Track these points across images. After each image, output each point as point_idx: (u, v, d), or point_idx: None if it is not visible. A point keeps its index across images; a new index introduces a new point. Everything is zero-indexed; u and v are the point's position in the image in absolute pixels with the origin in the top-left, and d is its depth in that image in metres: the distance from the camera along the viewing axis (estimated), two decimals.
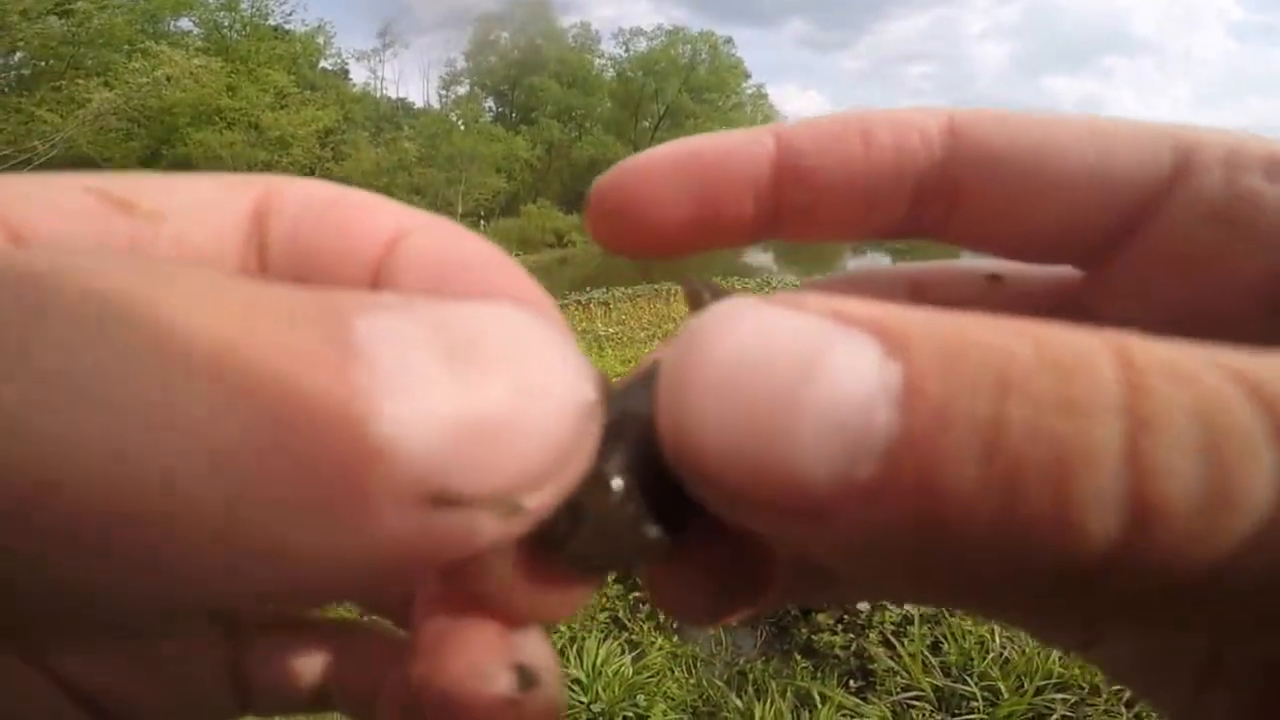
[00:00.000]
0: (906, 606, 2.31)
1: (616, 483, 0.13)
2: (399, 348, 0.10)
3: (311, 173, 21.23)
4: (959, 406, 0.09)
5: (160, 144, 15.82)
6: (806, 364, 0.10)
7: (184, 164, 15.92)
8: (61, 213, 0.14)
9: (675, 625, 2.70)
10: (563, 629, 2.61)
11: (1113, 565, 0.09)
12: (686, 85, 28.25)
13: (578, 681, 2.31)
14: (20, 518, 0.09)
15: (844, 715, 2.03)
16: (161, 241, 0.14)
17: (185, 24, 17.16)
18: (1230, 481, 0.09)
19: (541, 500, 0.11)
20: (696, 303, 0.16)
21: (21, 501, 0.09)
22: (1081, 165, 0.15)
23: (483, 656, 0.14)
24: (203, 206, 0.15)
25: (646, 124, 29.73)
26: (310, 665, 0.19)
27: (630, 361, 5.14)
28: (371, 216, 0.16)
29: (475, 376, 0.10)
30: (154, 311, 0.09)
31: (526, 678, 0.14)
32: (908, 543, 0.10)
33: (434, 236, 0.16)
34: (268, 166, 16.92)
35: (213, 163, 15.88)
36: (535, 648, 0.15)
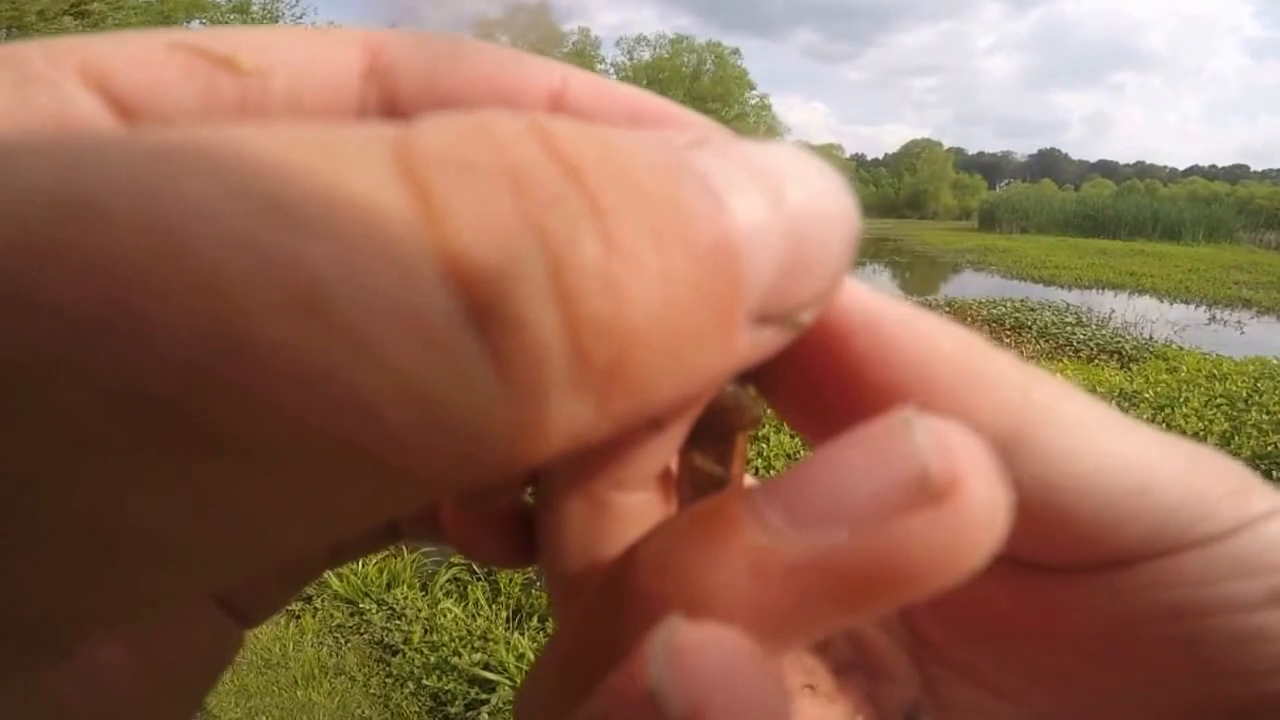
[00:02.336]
0: None
1: None
2: (731, 182, 0.09)
3: None
4: None
5: None
6: None
7: None
8: (158, 75, 0.12)
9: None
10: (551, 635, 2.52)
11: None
12: (690, 94, 28.35)
13: None
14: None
15: None
16: (273, 101, 0.13)
17: (197, 25, 17.39)
18: None
19: (813, 315, 0.11)
20: None
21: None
22: None
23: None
24: (310, 61, 0.13)
25: None
26: None
27: None
28: (518, 67, 0.14)
29: (790, 205, 0.10)
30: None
31: None
32: None
33: (594, 85, 0.14)
34: None
35: None
36: None
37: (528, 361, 0.07)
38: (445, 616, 2.66)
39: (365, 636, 2.70)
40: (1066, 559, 0.14)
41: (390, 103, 0.13)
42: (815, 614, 0.10)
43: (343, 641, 2.70)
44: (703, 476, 0.13)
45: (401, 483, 0.08)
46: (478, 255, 0.07)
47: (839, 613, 0.10)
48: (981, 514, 0.09)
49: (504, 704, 2.23)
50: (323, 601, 2.93)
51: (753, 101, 31.41)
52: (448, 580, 2.96)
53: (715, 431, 0.13)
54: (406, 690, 2.40)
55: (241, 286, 0.06)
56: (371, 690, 2.42)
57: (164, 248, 0.06)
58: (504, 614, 2.71)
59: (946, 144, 70.56)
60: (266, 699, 2.43)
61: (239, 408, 0.07)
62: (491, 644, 2.46)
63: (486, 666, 2.37)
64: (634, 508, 0.13)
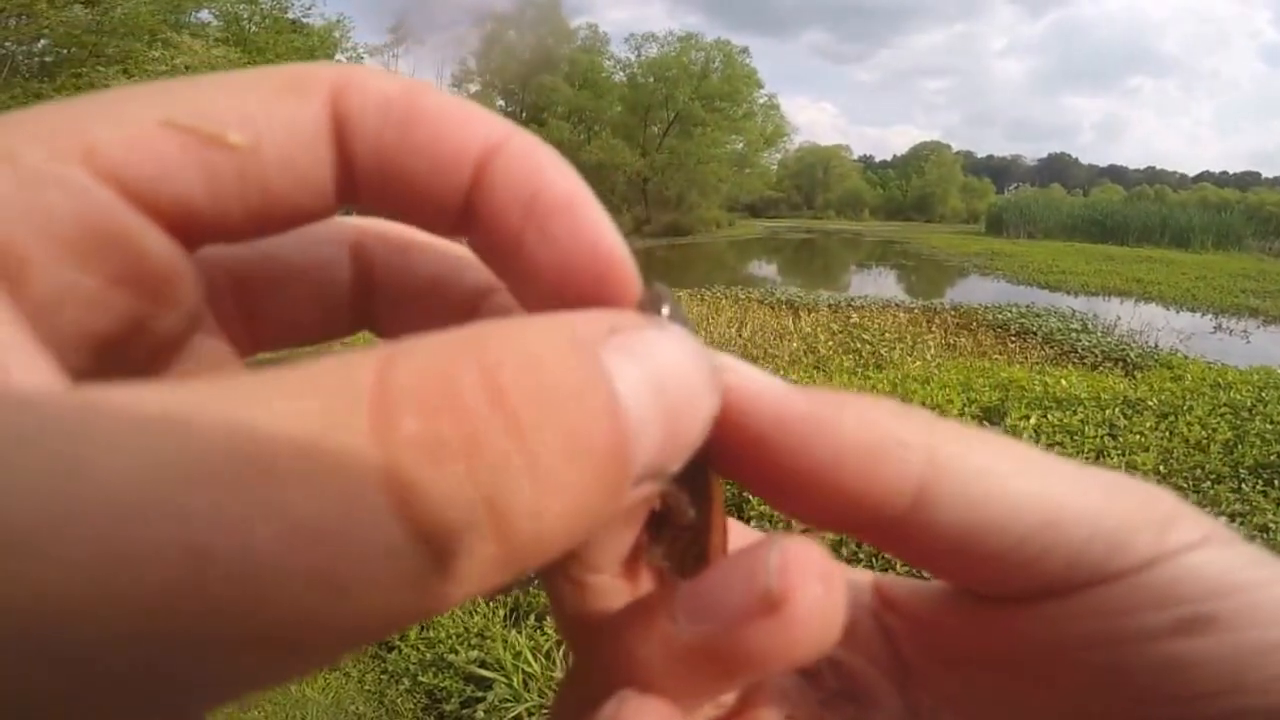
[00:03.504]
0: None
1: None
2: (629, 383, 0.11)
3: None
4: None
5: None
6: None
7: None
8: (160, 157, 0.13)
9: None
10: (550, 630, 2.52)
11: None
12: (698, 93, 28.21)
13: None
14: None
15: None
16: (269, 174, 0.14)
17: (205, 15, 17.34)
18: None
19: (681, 465, 0.13)
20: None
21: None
22: None
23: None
24: (286, 125, 0.14)
25: (655, 129, 29.72)
26: None
27: None
28: (457, 130, 0.15)
29: (669, 396, 0.12)
30: None
31: None
32: None
33: (524, 162, 0.16)
34: None
35: None
36: None
37: (465, 569, 0.10)
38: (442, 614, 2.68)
39: None
40: (1001, 591, 0.15)
41: (347, 163, 0.15)
42: (707, 682, 0.14)
43: None
44: (654, 563, 0.17)
45: (359, 641, 0.10)
46: (440, 517, 0.09)
47: (722, 682, 0.14)
48: (808, 619, 0.12)
49: (500, 702, 2.22)
50: None
51: (761, 101, 31.27)
52: None
53: (666, 525, 0.17)
54: (401, 687, 2.40)
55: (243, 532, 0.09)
56: (366, 686, 2.43)
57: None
58: (501, 611, 2.71)
59: (955, 147, 70.31)
60: (260, 695, 2.44)
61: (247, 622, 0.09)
62: (488, 641, 2.47)
63: (483, 664, 2.37)
64: (604, 584, 0.17)
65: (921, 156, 60.41)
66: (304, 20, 19.58)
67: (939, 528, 0.14)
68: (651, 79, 28.83)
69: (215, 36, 15.83)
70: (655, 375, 0.12)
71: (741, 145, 31.69)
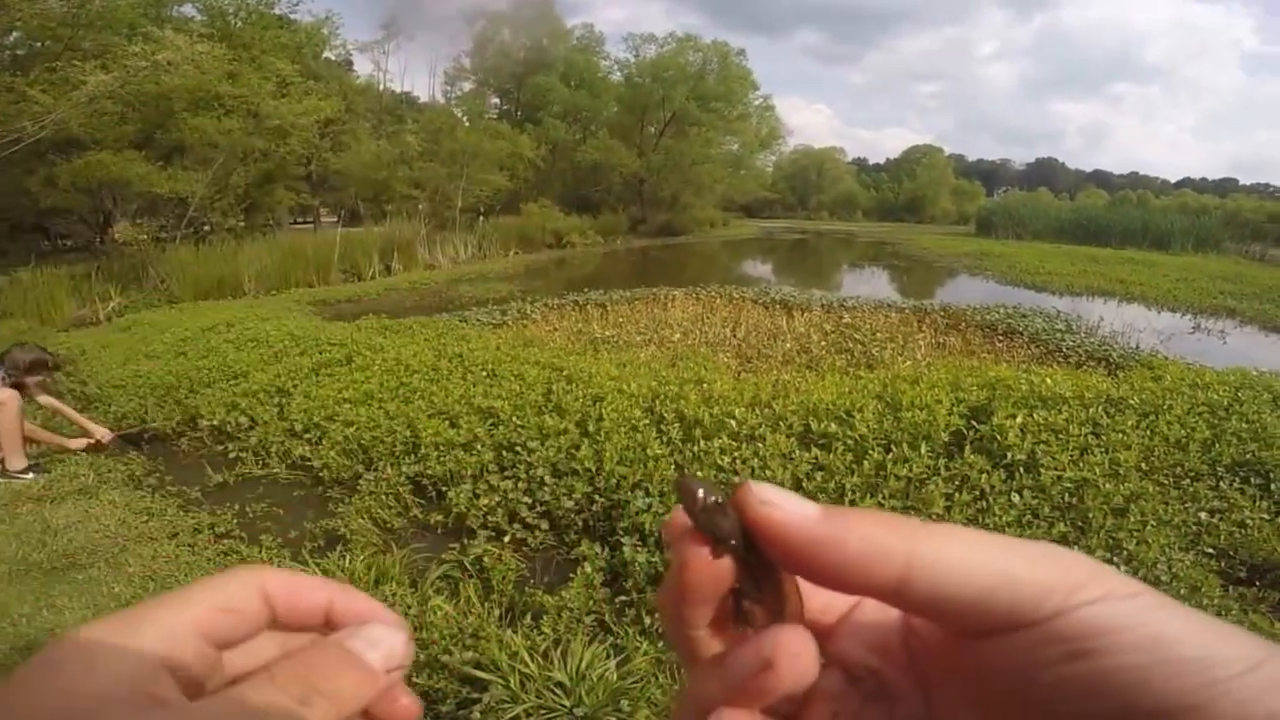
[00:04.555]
0: None
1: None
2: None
3: (308, 162, 20.88)
4: None
5: (155, 128, 15.39)
6: None
7: (178, 149, 15.39)
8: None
9: (660, 630, 2.63)
10: (547, 630, 2.55)
11: None
12: (694, 93, 28.14)
13: (561, 685, 2.27)
14: None
15: None
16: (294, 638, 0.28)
17: (189, 9, 16.90)
18: None
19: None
20: (688, 497, 0.23)
21: None
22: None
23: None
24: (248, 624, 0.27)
25: (652, 130, 29.71)
26: None
27: (626, 364, 5.06)
28: (312, 596, 0.28)
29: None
30: None
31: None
32: None
33: (345, 600, 0.28)
34: (264, 154, 16.56)
35: (207, 149, 15.47)
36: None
37: None
38: (435, 614, 2.67)
39: None
40: (965, 630, 0.22)
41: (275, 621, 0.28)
42: (751, 701, 0.23)
43: None
44: (738, 623, 0.25)
45: None
46: None
47: (758, 700, 0.23)
48: (788, 672, 0.23)
49: (497, 703, 2.21)
50: None
51: (757, 102, 31.22)
52: (438, 578, 2.98)
53: (741, 602, 0.25)
54: None
55: None
56: None
57: None
58: (497, 612, 2.73)
59: (947, 150, 70.13)
60: None
61: None
62: (484, 642, 2.47)
63: (478, 665, 2.37)
64: (701, 637, 0.26)
65: (914, 159, 60.60)
66: (291, 16, 19.08)
67: (917, 598, 0.22)
68: (648, 79, 28.72)
69: (199, 32, 15.21)
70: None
71: (737, 146, 31.66)
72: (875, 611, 0.26)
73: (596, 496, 3.35)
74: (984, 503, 3.14)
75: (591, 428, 3.84)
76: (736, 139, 31.22)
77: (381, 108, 27.50)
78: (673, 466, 3.39)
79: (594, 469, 3.48)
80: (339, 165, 21.10)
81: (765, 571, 0.24)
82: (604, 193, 29.07)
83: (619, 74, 31.22)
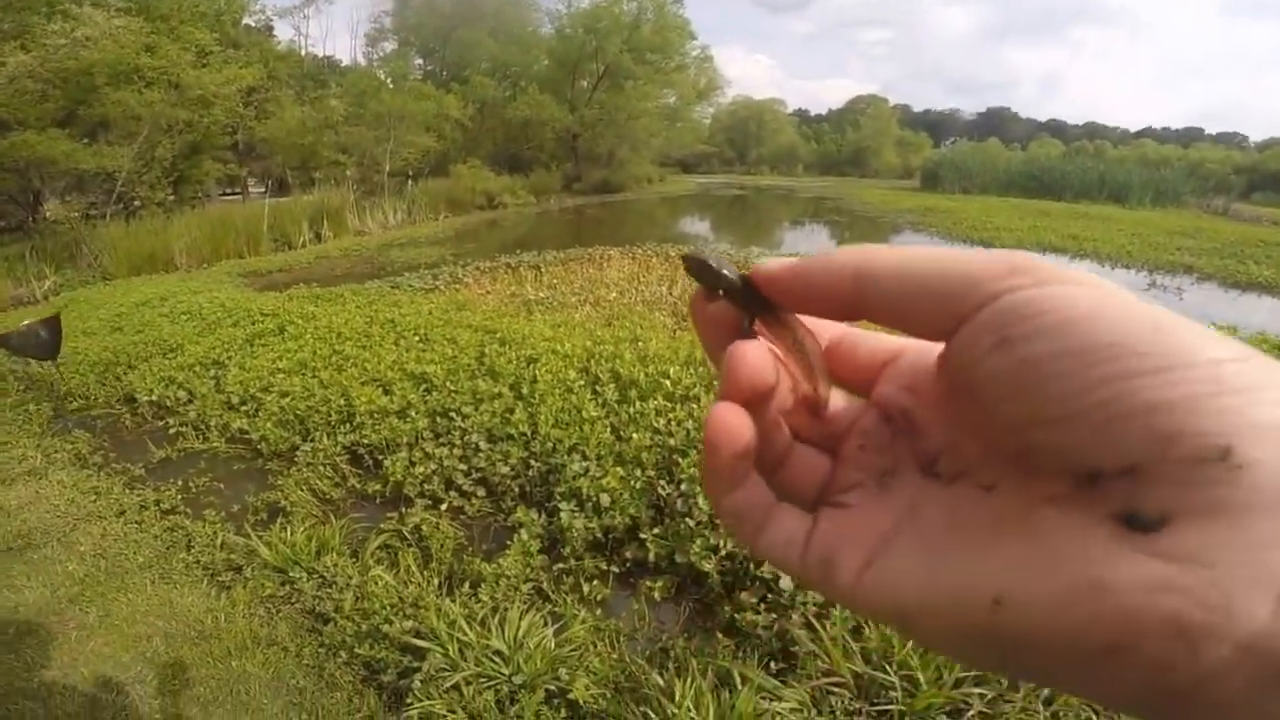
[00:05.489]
0: None
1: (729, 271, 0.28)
2: None
3: (234, 131, 20.05)
4: None
5: (77, 104, 15.09)
6: None
7: (102, 124, 15.26)
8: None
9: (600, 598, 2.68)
10: (485, 598, 2.57)
11: None
12: (628, 44, 27.41)
13: (499, 653, 2.29)
14: None
15: (763, 698, 1.98)
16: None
17: None
18: None
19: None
20: (699, 270, 0.28)
21: None
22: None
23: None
24: None
25: (585, 84, 28.92)
26: None
27: (560, 325, 5.01)
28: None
29: None
30: None
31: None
32: None
33: None
34: (189, 125, 16.31)
35: (131, 122, 15.22)
36: None
37: None
38: (376, 584, 2.68)
39: (296, 606, 2.73)
40: (926, 333, 0.23)
41: None
42: (730, 395, 0.25)
43: (274, 611, 2.71)
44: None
45: None
46: None
47: (732, 394, 0.25)
48: (737, 368, 0.25)
49: (436, 672, 2.23)
50: (252, 571, 2.92)
51: (694, 53, 30.65)
52: (378, 548, 2.98)
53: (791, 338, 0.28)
54: (339, 659, 2.43)
55: None
56: (305, 660, 2.46)
57: None
58: (436, 580, 2.75)
59: (892, 100, 70.34)
60: (202, 670, 2.45)
61: None
62: (423, 611, 2.49)
63: (418, 634, 2.39)
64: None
65: (857, 110, 60.34)
66: None
67: (869, 304, 0.23)
68: (580, 30, 27.81)
69: (116, 6, 14.71)
70: None
71: (674, 99, 31.12)
72: (913, 357, 0.27)
73: (533, 461, 3.35)
74: None
75: (526, 390, 3.82)
76: (673, 91, 30.67)
77: (304, 73, 26.06)
78: (608, 429, 3.40)
79: (529, 433, 3.47)
80: (264, 133, 20.31)
81: (773, 316, 0.27)
82: (536, 150, 28.19)
83: (550, 26, 30.10)
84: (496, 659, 2.26)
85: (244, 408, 4.53)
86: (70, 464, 4.24)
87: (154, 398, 4.98)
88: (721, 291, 0.28)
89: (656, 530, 2.81)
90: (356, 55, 33.32)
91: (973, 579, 0.19)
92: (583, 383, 3.78)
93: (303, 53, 28.11)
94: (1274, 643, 0.15)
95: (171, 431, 4.51)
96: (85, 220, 14.63)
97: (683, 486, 2.90)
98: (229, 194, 24.16)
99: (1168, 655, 0.16)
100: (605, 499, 2.96)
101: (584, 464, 3.19)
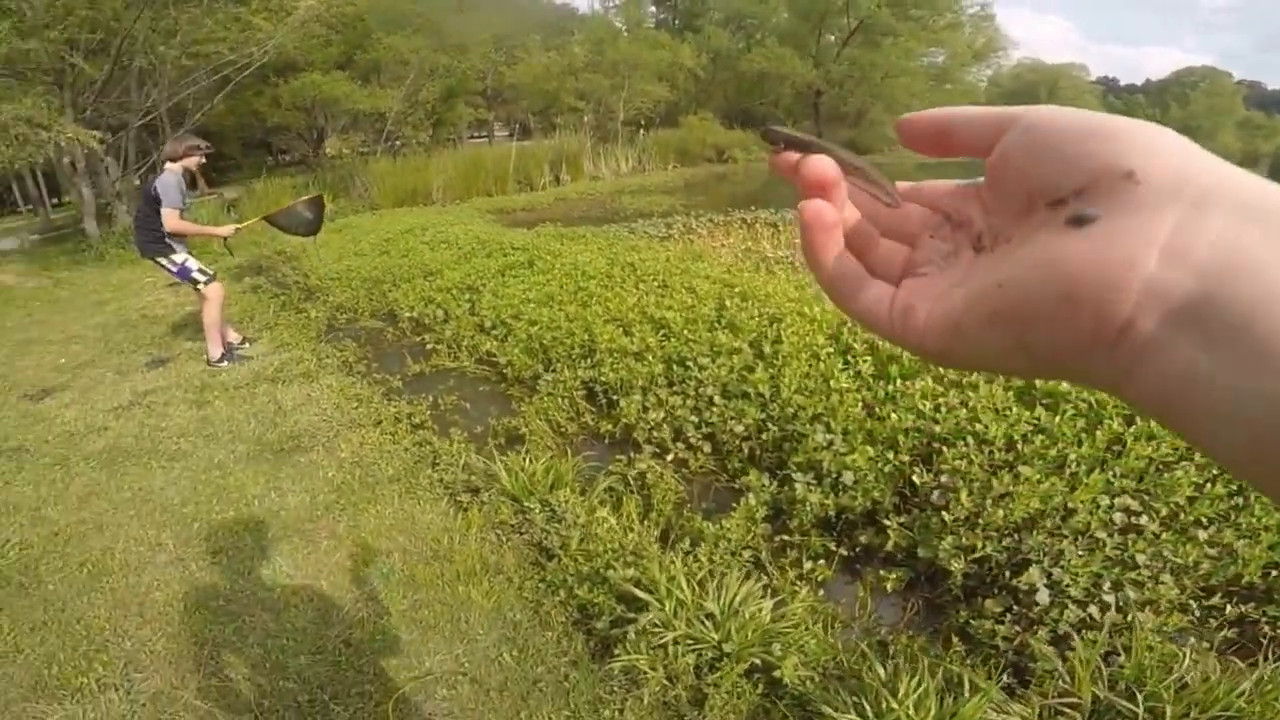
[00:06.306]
0: (1091, 609, 2.00)
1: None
2: None
3: (484, 77, 21.85)
4: None
5: (354, 49, 16.99)
6: None
7: (374, 68, 17.04)
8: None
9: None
10: (703, 559, 2.35)
11: None
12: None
13: (711, 616, 2.12)
14: None
15: (989, 709, 1.81)
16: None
17: None
18: None
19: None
20: (775, 140, 0.34)
21: None
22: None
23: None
24: None
25: (832, 39, 26.96)
26: None
27: (803, 287, 4.56)
28: None
29: None
30: None
31: None
32: None
33: None
34: (448, 70, 17.98)
35: (399, 66, 16.78)
36: None
37: None
38: (601, 526, 2.59)
39: (525, 537, 2.71)
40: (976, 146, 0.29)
41: None
42: (808, 193, 0.32)
43: (504, 539, 2.72)
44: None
45: None
46: None
47: (808, 190, 0.32)
48: (809, 167, 0.32)
49: (651, 627, 2.08)
50: (490, 495, 2.96)
51: (971, 10, 27.11)
52: (604, 490, 2.90)
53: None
54: (557, 598, 2.36)
55: None
56: (525, 594, 2.42)
57: None
58: (655, 532, 2.60)
59: (1236, 75, 56.58)
60: (430, 592, 2.48)
61: None
62: (644, 561, 2.35)
63: (638, 584, 2.25)
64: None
65: (1187, 83, 50.04)
66: None
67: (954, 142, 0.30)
68: None
69: None
70: None
71: (943, 59, 27.82)
72: (958, 186, 0.33)
73: (769, 425, 3.02)
74: (1240, 498, 2.33)
75: (768, 349, 3.48)
76: (943, 50, 27.40)
77: (545, 22, 27.55)
78: (859, 404, 2.95)
79: (767, 395, 3.14)
80: (513, 78, 21.79)
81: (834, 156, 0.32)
82: (771, 106, 26.99)
83: None
84: (708, 623, 2.10)
85: (494, 331, 4.76)
86: (338, 370, 4.70)
87: (414, 314, 5.45)
88: (783, 145, 0.34)
89: (902, 519, 2.45)
90: (594, 2, 34.37)
91: (988, 277, 0.26)
92: (831, 350, 3.35)
93: (544, 1, 29.60)
94: (1165, 284, 0.21)
95: (427, 347, 4.87)
96: (359, 156, 16.59)
97: (943, 478, 2.44)
98: (476, 136, 26.58)
99: (1103, 300, 0.22)
100: (849, 477, 2.60)
101: (828, 436, 2.80)
